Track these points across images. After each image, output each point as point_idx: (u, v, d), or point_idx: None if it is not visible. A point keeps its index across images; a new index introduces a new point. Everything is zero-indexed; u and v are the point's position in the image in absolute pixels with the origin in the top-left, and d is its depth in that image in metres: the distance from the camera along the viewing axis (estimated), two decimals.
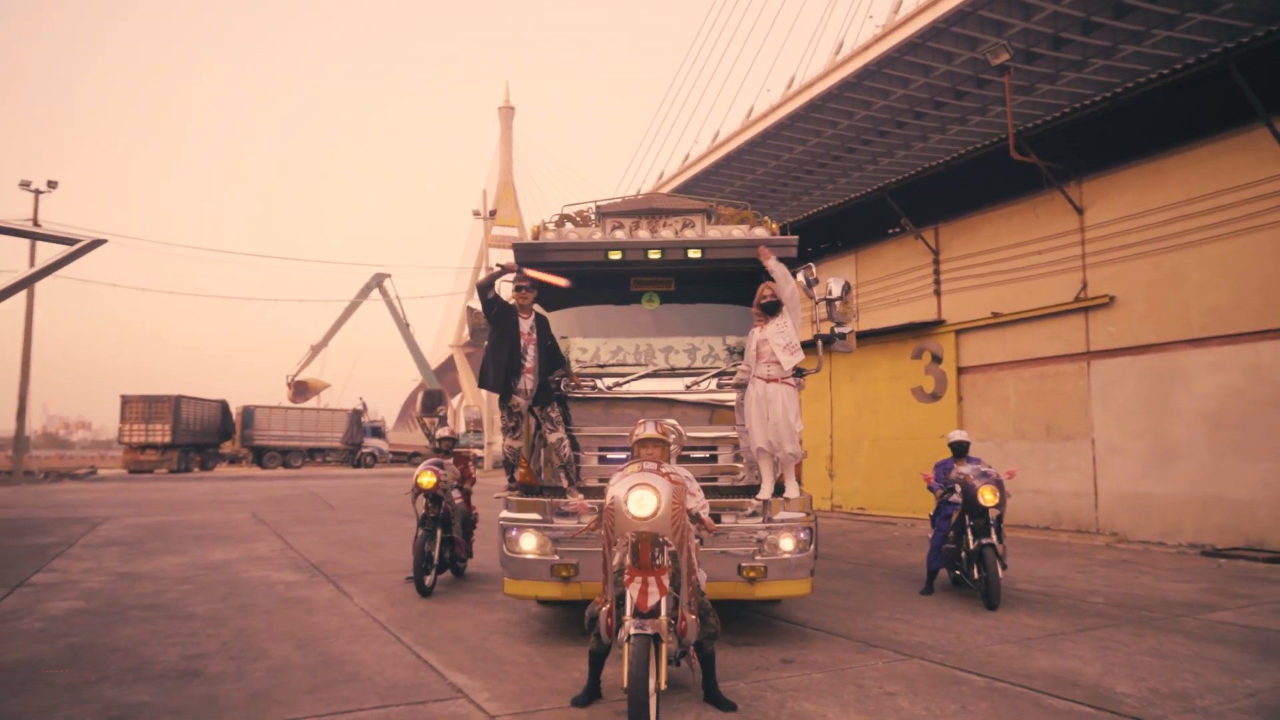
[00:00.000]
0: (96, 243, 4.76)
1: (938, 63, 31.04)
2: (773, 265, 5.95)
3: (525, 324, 6.15)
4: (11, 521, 15.16)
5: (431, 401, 47.90)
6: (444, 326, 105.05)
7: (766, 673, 5.00)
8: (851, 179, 44.56)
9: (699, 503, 4.54)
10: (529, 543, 5.76)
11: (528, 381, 6.11)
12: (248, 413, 45.32)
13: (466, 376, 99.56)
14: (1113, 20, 26.47)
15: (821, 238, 18.05)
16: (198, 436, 41.89)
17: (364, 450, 47.85)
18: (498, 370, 6.12)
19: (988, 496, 7.11)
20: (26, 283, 4.74)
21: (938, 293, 15.47)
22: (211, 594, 7.80)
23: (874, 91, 35.11)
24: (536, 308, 6.33)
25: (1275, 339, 10.28)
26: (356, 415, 48.52)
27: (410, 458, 50.99)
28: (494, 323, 6.23)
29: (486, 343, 6.38)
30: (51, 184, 32.75)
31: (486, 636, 6.06)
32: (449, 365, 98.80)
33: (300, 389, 61.36)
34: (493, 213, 49.11)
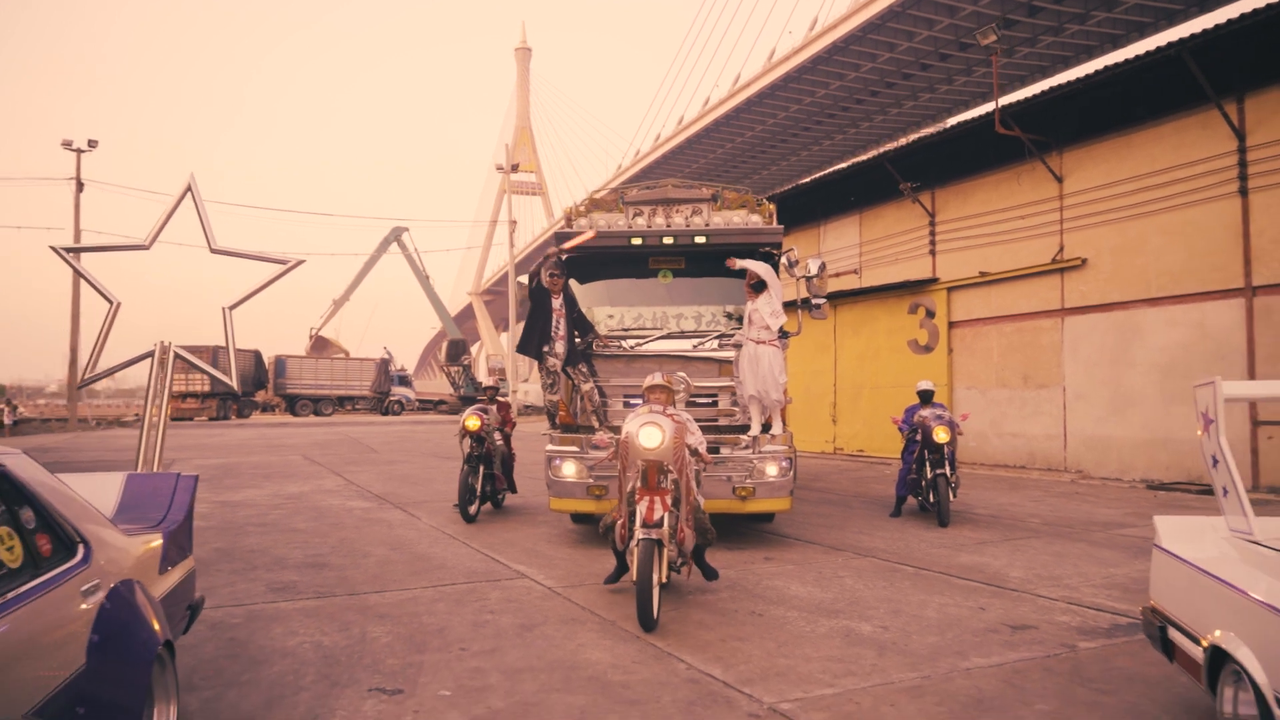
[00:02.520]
0: (299, 263, 6.02)
1: (962, 2, 32.13)
2: (750, 265, 7.35)
3: (556, 302, 7.60)
4: (93, 461, 17.05)
5: (456, 351, 49.67)
6: (462, 275, 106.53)
7: (751, 565, 6.59)
8: (874, 121, 45.17)
9: (697, 439, 5.54)
10: (569, 469, 7.35)
11: (559, 347, 7.60)
12: (280, 362, 47.28)
13: (485, 324, 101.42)
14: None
15: (830, 198, 19.27)
16: None
17: (392, 398, 49.83)
18: (533, 340, 7.62)
19: (940, 435, 8.56)
20: (250, 296, 5.97)
21: (933, 252, 16.75)
22: (304, 516, 9.49)
23: (898, 33, 35.71)
24: (573, 282, 7.80)
25: (1218, 299, 11.60)
26: (384, 364, 50.40)
27: (436, 405, 53.01)
28: (532, 300, 7.70)
29: (524, 318, 7.85)
30: (92, 143, 34.26)
31: (535, 544, 7.69)
32: (468, 313, 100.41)
33: (320, 344, 63.24)
34: (515, 167, 50.12)
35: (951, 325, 16.10)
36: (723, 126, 50.49)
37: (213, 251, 6.14)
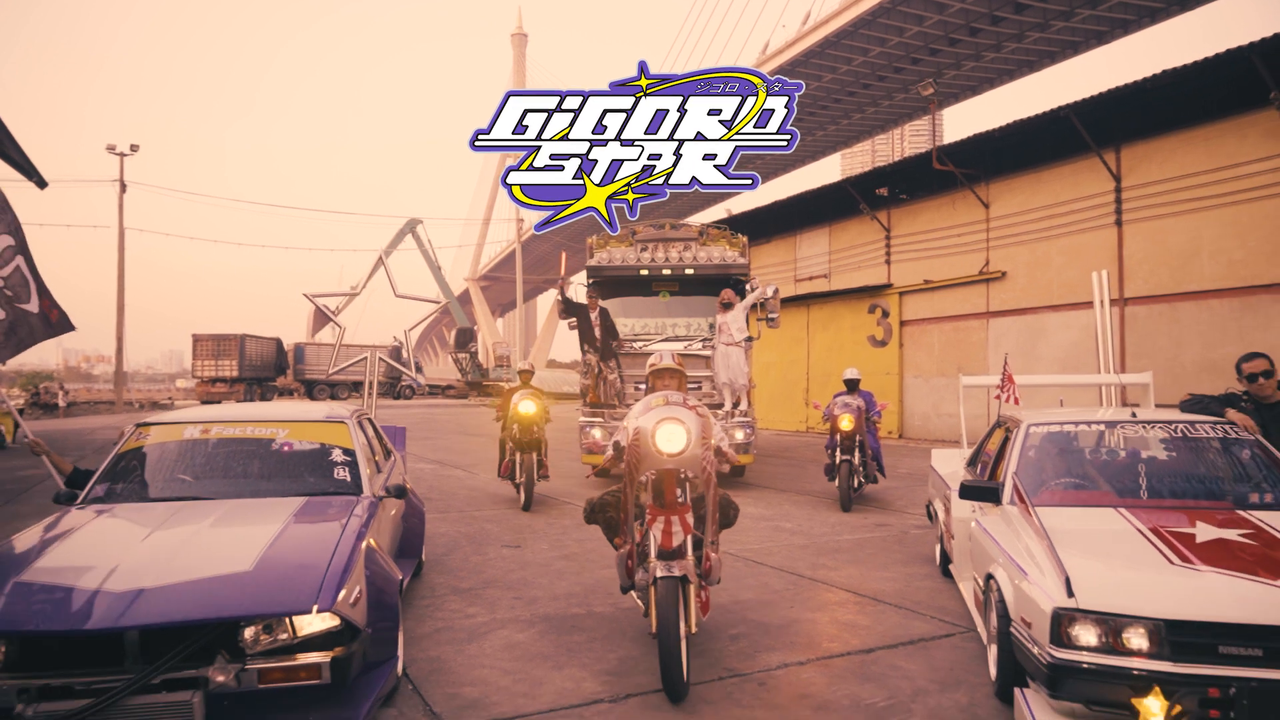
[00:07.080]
0: (447, 303, 8.62)
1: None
2: (735, 301, 10.36)
3: (594, 314, 10.61)
4: None
5: (464, 339, 52.59)
6: (458, 263, 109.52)
7: None
8: (865, 113, 47.99)
9: (718, 435, 4.18)
10: (596, 433, 10.39)
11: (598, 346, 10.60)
12: (299, 350, 50.18)
13: (483, 309, 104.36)
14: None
15: (805, 212, 22.25)
16: (259, 371, 46.95)
17: (403, 384, 52.85)
18: (583, 340, 10.63)
19: (844, 424, 8.76)
20: (419, 326, 8.26)
21: (888, 262, 19.79)
22: None
23: (889, 29, 38.50)
24: (602, 304, 10.81)
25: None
26: (397, 351, 53.30)
27: (444, 389, 56.05)
28: (577, 315, 10.71)
29: (576, 324, 10.82)
30: (134, 147, 36.97)
31: (571, 488, 10.73)
32: (464, 298, 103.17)
33: (320, 320, 65.86)
34: None
35: (903, 324, 19.16)
36: None
37: (397, 296, 9.11)
